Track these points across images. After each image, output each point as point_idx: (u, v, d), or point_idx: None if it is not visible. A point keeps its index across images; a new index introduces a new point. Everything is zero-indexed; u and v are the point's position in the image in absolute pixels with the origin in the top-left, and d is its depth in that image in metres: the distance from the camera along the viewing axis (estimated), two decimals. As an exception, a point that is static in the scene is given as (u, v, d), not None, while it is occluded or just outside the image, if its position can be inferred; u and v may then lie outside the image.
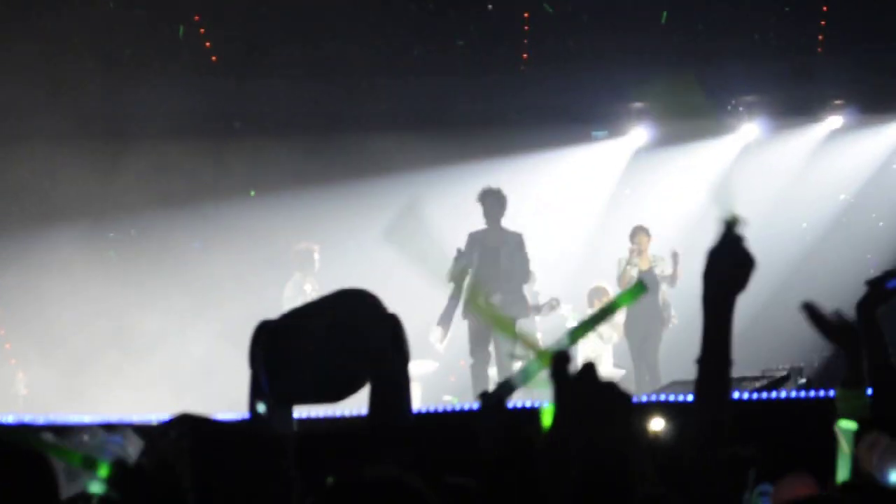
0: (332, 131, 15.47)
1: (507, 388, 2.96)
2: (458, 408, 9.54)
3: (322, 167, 15.06)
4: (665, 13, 15.18)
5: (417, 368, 12.06)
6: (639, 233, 13.33)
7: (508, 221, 12.54)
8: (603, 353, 13.44)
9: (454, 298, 11.49)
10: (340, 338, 3.54)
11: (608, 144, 16.21)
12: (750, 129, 15.84)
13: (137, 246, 15.08)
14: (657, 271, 13.12)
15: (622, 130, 16.02)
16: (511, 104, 15.55)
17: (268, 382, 3.37)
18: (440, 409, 9.48)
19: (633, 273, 13.04)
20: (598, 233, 15.96)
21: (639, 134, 15.93)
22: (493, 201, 12.35)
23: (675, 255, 13.03)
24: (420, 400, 12.07)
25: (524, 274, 12.16)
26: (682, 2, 15.07)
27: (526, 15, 15.34)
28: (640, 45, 15.18)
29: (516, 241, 12.23)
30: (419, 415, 8.63)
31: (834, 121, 15.88)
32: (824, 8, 14.96)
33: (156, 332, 13.70)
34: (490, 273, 11.95)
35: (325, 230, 14.62)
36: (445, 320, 11.69)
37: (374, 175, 15.11)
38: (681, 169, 15.98)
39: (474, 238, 12.23)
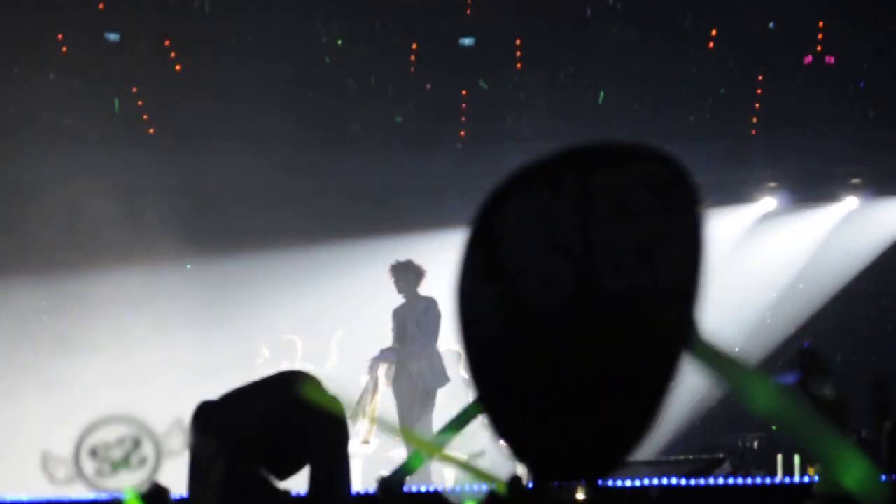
0: (267, 205, 15.38)
1: (401, 473, 3.02)
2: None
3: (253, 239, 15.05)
4: (602, 93, 15.35)
5: (358, 447, 12.02)
6: None
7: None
8: None
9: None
10: (281, 419, 3.56)
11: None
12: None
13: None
14: None
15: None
16: (449, 181, 15.59)
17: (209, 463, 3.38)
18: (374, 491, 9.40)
19: None
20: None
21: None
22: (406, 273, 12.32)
23: None
24: (360, 478, 12.02)
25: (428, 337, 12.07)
26: (618, 82, 15.23)
27: (464, 93, 15.47)
28: (576, 125, 15.30)
29: (423, 306, 12.18)
30: (357, 496, 8.61)
31: (767, 203, 16.01)
32: (758, 91, 15.18)
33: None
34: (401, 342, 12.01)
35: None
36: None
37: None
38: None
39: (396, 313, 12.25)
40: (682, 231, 3.01)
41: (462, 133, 15.57)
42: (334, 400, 3.81)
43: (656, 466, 10.54)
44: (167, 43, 15.06)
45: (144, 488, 2.82)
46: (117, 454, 2.80)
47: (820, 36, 15.12)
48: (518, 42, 15.38)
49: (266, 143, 14.95)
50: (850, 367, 14.63)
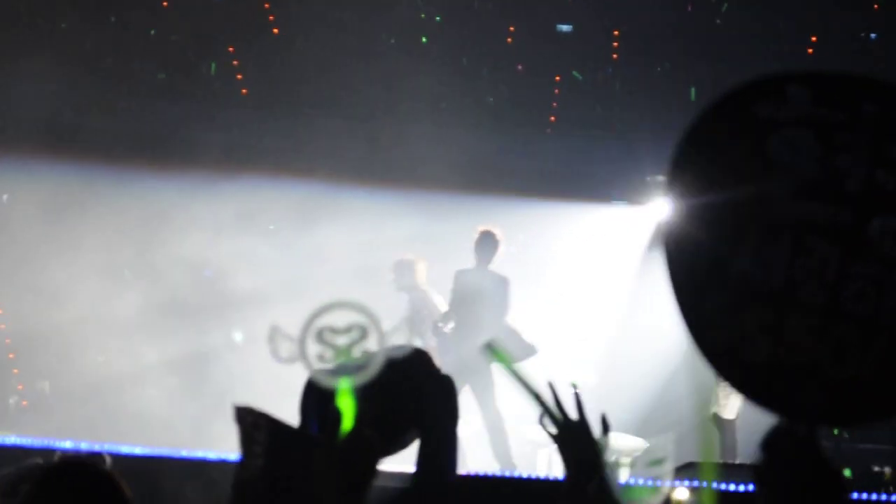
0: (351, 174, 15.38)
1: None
2: (507, 475, 9.51)
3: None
4: (693, 89, 15.30)
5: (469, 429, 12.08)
6: None
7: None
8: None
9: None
10: (392, 395, 3.54)
11: (629, 211, 16.12)
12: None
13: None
14: None
15: (641, 202, 15.94)
16: (535, 164, 15.57)
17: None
18: (489, 474, 9.40)
19: None
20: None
21: (659, 206, 15.81)
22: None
23: None
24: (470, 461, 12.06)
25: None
26: (708, 84, 15.17)
27: (557, 79, 15.45)
28: (668, 120, 15.25)
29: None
30: (467, 477, 8.59)
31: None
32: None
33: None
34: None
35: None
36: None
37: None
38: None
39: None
40: None
41: (553, 118, 15.53)
42: (447, 378, 3.80)
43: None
44: (266, 6, 15.09)
45: (358, 382, 2.81)
46: (343, 341, 2.80)
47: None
48: (616, 32, 15.35)
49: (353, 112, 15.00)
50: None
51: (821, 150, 3.05)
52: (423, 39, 15.32)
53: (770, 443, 2.93)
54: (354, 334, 2.77)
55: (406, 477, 3.62)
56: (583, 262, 15.97)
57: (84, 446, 8.53)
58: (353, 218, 14.54)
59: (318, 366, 2.77)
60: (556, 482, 9.00)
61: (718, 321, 3.05)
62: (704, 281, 3.07)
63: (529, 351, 11.62)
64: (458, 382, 10.12)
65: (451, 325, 11.71)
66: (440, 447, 3.69)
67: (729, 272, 3.04)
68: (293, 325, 2.76)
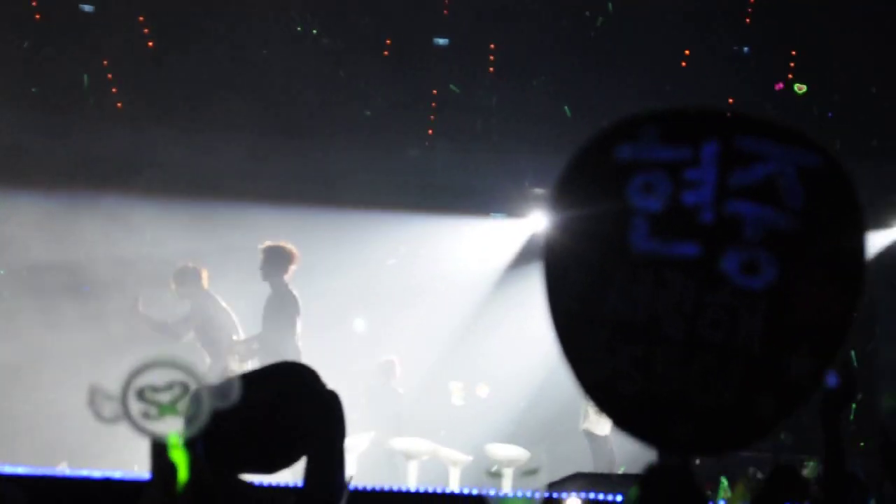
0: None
1: None
2: (393, 489, 9.49)
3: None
4: (567, 108, 15.43)
5: (356, 443, 11.99)
6: None
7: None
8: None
9: None
10: (279, 411, 3.55)
11: (504, 224, 16.19)
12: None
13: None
14: None
15: (520, 215, 16.03)
16: (412, 179, 15.59)
17: (204, 450, 3.35)
18: (376, 488, 9.36)
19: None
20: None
21: (537, 219, 15.92)
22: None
23: None
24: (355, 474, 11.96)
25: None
26: (585, 99, 15.32)
27: (434, 92, 15.48)
28: (542, 134, 15.35)
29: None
30: (354, 491, 8.49)
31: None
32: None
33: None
34: None
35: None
36: None
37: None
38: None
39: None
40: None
41: (430, 131, 15.56)
42: (332, 394, 3.82)
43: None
44: (141, 19, 14.93)
45: (188, 436, 2.80)
46: (165, 398, 2.78)
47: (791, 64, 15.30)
48: (492, 46, 15.43)
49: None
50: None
51: (672, 188, 3.20)
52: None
53: (645, 479, 3.02)
54: (176, 391, 2.75)
55: (294, 493, 3.63)
56: (460, 274, 16.05)
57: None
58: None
59: (145, 423, 2.75)
60: (444, 496, 9.04)
61: (594, 357, 3.18)
62: (580, 319, 3.22)
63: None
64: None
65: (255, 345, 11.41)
66: (325, 463, 3.69)
67: (602, 310, 3.18)
68: (112, 385, 2.73)
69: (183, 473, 2.86)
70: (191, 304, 11.76)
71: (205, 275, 11.90)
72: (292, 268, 11.58)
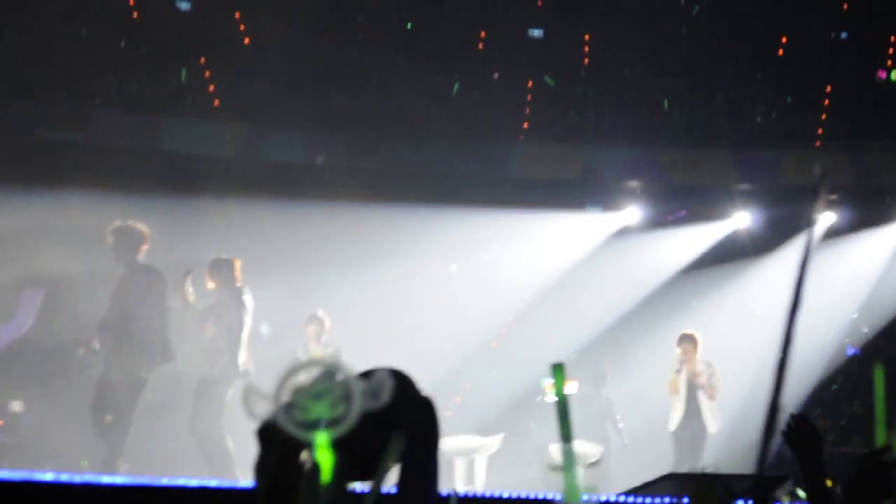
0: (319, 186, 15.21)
1: None
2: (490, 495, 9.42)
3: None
4: (666, 101, 15.37)
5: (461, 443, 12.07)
6: (683, 340, 13.08)
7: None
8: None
9: None
10: (382, 417, 3.53)
11: (598, 217, 16.07)
12: (742, 217, 15.75)
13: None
14: (701, 381, 12.91)
15: (616, 207, 15.89)
16: (509, 170, 15.54)
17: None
18: (477, 494, 9.24)
19: (680, 378, 12.89)
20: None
21: (632, 212, 15.81)
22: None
23: (709, 367, 12.93)
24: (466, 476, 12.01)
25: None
26: (680, 89, 15.23)
27: (529, 84, 15.46)
28: (642, 125, 15.29)
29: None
30: (448, 497, 8.40)
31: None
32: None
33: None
34: None
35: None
36: None
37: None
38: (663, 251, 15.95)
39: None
40: None
41: (525, 125, 15.54)
42: (428, 401, 3.79)
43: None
44: (237, 15, 15.05)
45: (334, 437, 2.78)
46: (317, 399, 2.77)
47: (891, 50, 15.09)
48: (587, 37, 15.39)
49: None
50: None
51: None
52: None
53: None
54: (329, 393, 2.74)
55: (389, 498, 3.61)
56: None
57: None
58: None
59: (295, 423, 2.74)
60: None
61: None
62: None
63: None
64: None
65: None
66: (421, 470, 3.69)
67: None
68: (266, 384, 2.72)
69: (326, 475, 2.86)
70: (218, 294, 11.72)
71: (237, 266, 11.78)
72: (144, 247, 11.39)
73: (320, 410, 2.74)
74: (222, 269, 11.54)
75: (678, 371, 12.85)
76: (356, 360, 3.72)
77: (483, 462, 12.50)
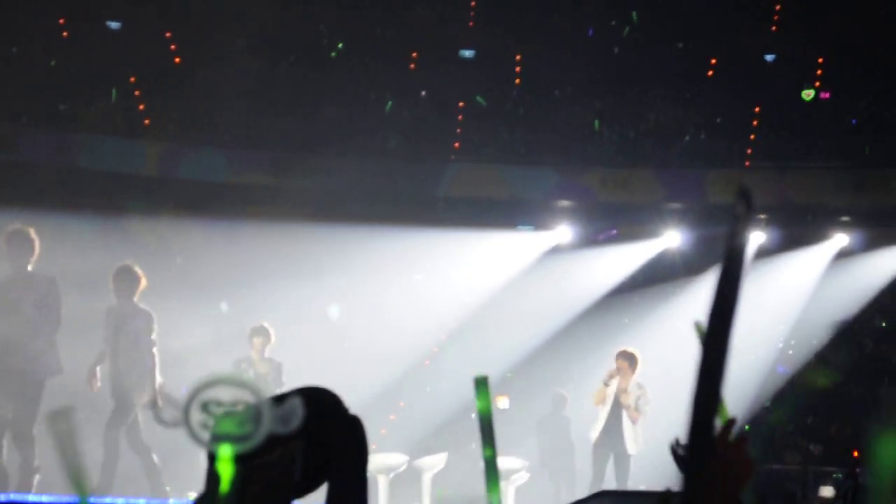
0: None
1: None
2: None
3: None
4: (597, 121, 15.46)
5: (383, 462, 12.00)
6: (622, 357, 13.03)
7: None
8: None
9: None
10: (310, 435, 3.53)
11: (528, 237, 16.11)
12: (672, 236, 15.85)
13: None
14: (627, 401, 12.85)
15: (547, 226, 15.95)
16: (441, 189, 15.55)
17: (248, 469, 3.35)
18: None
19: (608, 392, 12.85)
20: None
21: (563, 231, 15.87)
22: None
23: (641, 388, 12.88)
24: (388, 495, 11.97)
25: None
26: (614, 110, 15.32)
27: (461, 104, 15.52)
28: (572, 145, 15.36)
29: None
30: None
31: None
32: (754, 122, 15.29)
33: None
34: None
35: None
36: None
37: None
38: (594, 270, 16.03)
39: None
40: None
41: (457, 144, 15.58)
42: (356, 419, 3.80)
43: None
44: (168, 34, 15.00)
45: (238, 452, 2.78)
46: (227, 414, 2.77)
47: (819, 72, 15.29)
48: (518, 58, 15.47)
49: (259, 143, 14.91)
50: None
51: None
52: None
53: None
54: (239, 409, 2.75)
55: None
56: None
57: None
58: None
59: (202, 434, 2.74)
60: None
61: None
62: None
63: None
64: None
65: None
66: (350, 488, 3.69)
67: None
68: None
69: (225, 486, 2.86)
70: (117, 304, 11.46)
71: (142, 277, 11.52)
72: (37, 254, 11.23)
73: (227, 426, 2.74)
74: (129, 278, 11.29)
75: (606, 384, 12.83)
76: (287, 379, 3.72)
77: (429, 481, 12.50)
